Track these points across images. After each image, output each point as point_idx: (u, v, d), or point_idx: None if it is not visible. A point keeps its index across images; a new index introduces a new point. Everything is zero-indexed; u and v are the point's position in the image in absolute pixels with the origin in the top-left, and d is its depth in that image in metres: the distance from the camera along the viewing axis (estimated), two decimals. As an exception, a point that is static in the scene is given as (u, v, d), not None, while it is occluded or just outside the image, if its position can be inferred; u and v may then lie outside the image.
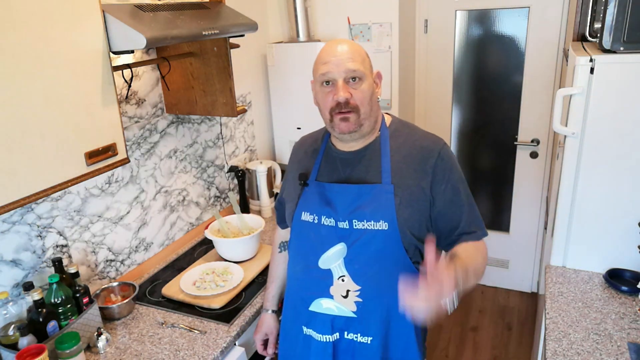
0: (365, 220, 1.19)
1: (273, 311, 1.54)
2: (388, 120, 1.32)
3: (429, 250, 0.96)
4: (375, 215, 1.19)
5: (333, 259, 1.23)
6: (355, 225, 1.21)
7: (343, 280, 1.23)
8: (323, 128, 1.37)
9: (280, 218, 1.52)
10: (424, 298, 0.94)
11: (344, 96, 1.16)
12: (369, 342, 1.24)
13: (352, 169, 1.27)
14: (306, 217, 1.29)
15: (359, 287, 1.21)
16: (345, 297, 1.23)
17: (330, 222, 1.24)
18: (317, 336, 1.28)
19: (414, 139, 1.27)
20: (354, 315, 1.23)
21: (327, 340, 1.27)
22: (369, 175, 1.24)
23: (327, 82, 1.19)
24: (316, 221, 1.26)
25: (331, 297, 1.24)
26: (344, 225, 1.22)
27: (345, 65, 1.16)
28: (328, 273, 1.24)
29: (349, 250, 1.21)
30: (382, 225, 1.18)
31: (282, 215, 1.47)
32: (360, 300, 1.22)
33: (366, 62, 1.21)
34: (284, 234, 1.54)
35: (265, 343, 1.55)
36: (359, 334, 1.25)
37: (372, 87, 1.22)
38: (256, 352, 1.72)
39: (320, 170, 1.31)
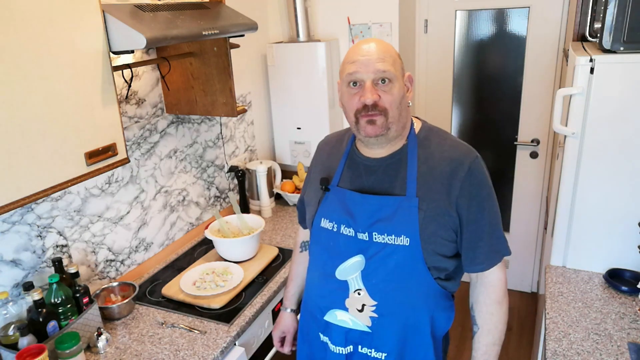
0: (385, 234, 1.14)
1: (292, 310, 1.52)
2: (417, 126, 1.24)
3: None
4: (396, 229, 1.13)
5: (350, 270, 1.19)
6: (375, 238, 1.16)
7: (359, 294, 1.19)
8: (349, 128, 1.29)
9: (302, 217, 1.47)
10: None
11: (371, 99, 1.09)
12: (382, 357, 1.21)
13: (376, 177, 1.20)
14: (325, 224, 1.25)
15: (375, 303, 1.18)
16: (361, 311, 1.19)
17: (349, 232, 1.19)
18: (332, 346, 1.26)
19: (444, 149, 1.18)
20: (369, 330, 1.20)
21: (340, 352, 1.24)
22: (393, 186, 1.17)
23: (355, 82, 1.12)
24: (335, 229, 1.22)
25: (346, 309, 1.21)
26: (363, 236, 1.17)
27: (374, 65, 1.09)
28: (344, 284, 1.20)
29: (367, 263, 1.17)
30: (404, 241, 1.13)
31: (303, 214, 1.42)
32: (375, 315, 1.18)
33: (397, 64, 1.13)
34: (305, 234, 1.49)
35: (282, 340, 1.54)
36: (373, 350, 1.21)
37: (402, 91, 1.14)
38: (256, 352, 1.72)
39: (343, 176, 1.26)
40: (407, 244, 1.13)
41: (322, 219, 1.26)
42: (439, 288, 1.18)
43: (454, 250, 1.19)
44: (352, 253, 1.19)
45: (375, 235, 1.16)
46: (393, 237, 1.14)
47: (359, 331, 1.21)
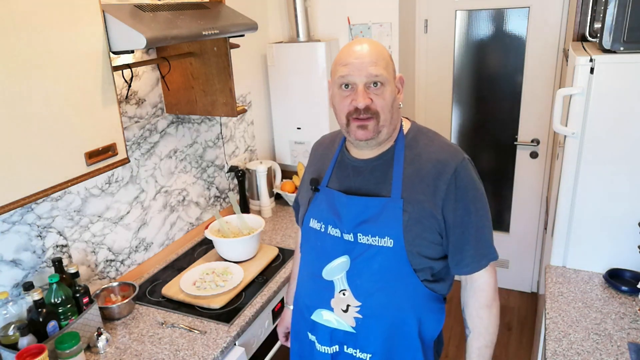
0: (370, 235, 1.15)
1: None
2: (406, 126, 1.24)
3: None
4: (380, 230, 1.14)
5: (336, 271, 1.20)
6: (360, 239, 1.16)
7: (344, 294, 1.19)
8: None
9: (297, 218, 1.46)
10: None
11: (364, 102, 1.09)
12: (367, 358, 1.21)
13: (362, 178, 1.21)
14: (314, 224, 1.25)
15: (359, 303, 1.18)
16: (345, 311, 1.19)
17: (336, 232, 1.20)
18: (318, 345, 1.27)
19: (431, 150, 1.18)
20: (353, 331, 1.20)
21: (326, 351, 1.25)
22: (379, 187, 1.17)
23: (346, 85, 1.12)
24: (323, 230, 1.23)
25: (331, 309, 1.21)
26: (349, 237, 1.18)
27: (367, 69, 1.09)
28: (330, 285, 1.21)
29: (352, 264, 1.17)
30: (387, 242, 1.13)
31: (299, 215, 1.43)
32: (360, 316, 1.18)
33: (389, 66, 1.13)
34: None
35: (287, 335, 1.55)
36: (358, 350, 1.21)
37: (394, 93, 1.14)
38: (256, 352, 1.73)
39: (332, 177, 1.26)
40: (391, 246, 1.13)
41: (311, 219, 1.26)
42: (426, 290, 1.18)
43: (441, 252, 1.19)
44: (338, 253, 1.19)
45: (360, 236, 1.16)
46: (377, 238, 1.14)
47: (343, 331, 1.21)
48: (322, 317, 1.23)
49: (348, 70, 1.10)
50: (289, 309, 1.53)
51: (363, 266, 1.16)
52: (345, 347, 1.23)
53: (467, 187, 1.15)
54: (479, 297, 1.22)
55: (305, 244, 1.32)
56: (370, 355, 1.20)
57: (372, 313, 1.18)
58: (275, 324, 1.84)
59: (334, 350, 1.25)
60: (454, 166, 1.15)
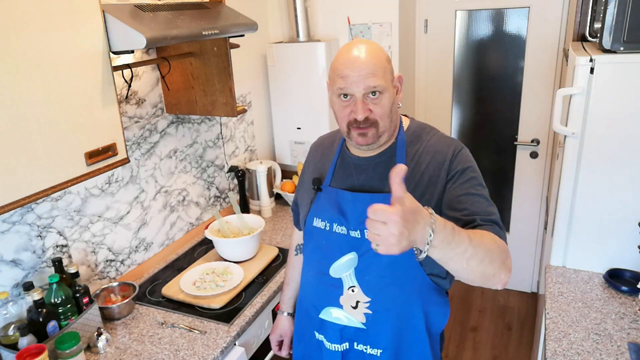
0: None
1: (288, 314, 1.52)
2: (406, 123, 1.26)
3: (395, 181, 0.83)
4: None
5: (344, 268, 1.21)
6: (367, 235, 1.17)
7: (353, 291, 1.20)
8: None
9: (296, 220, 1.48)
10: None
11: (362, 115, 1.11)
12: (378, 354, 1.22)
13: (366, 176, 1.22)
14: (318, 223, 1.26)
15: (369, 299, 1.19)
16: (355, 308, 1.20)
17: (342, 230, 1.21)
18: (327, 344, 1.27)
19: (431, 144, 1.20)
20: (363, 327, 1.21)
21: (336, 349, 1.25)
22: (383, 183, 1.18)
23: (345, 95, 1.13)
24: (328, 228, 1.24)
25: (341, 306, 1.22)
26: (355, 234, 1.19)
27: (364, 81, 1.09)
28: (338, 282, 1.22)
29: (360, 260, 1.18)
30: None
31: (298, 217, 1.44)
32: (370, 312, 1.19)
33: (387, 72, 1.13)
34: (300, 236, 1.50)
35: (280, 344, 1.55)
36: (368, 346, 1.22)
37: (392, 98, 1.15)
38: (256, 352, 1.73)
39: (334, 176, 1.27)
40: None
41: (315, 218, 1.27)
42: (432, 283, 1.19)
43: None
44: (345, 251, 1.20)
45: (367, 232, 1.16)
46: None
47: (353, 328, 1.22)
48: (331, 315, 1.24)
49: (345, 83, 1.11)
50: (283, 315, 1.53)
51: (372, 262, 1.17)
52: (355, 344, 1.24)
53: (465, 164, 1.16)
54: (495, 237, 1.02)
55: (308, 244, 1.32)
56: (381, 351, 1.21)
57: (381, 308, 1.19)
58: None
59: (344, 348, 1.25)
60: (452, 151, 1.17)
